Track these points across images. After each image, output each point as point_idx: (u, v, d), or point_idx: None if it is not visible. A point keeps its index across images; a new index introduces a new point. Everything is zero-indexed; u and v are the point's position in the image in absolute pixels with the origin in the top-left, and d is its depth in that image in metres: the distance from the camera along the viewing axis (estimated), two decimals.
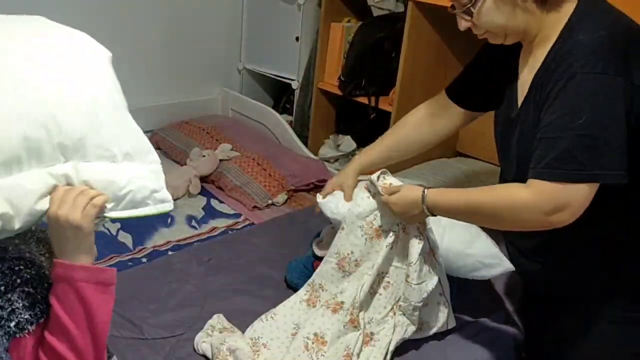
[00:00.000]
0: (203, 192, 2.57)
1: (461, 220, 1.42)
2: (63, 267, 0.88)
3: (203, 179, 2.63)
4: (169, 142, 2.88)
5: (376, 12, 2.81)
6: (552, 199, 1.10)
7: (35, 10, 2.40)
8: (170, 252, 2.03)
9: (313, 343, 1.48)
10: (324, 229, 1.82)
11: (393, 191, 1.43)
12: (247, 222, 2.37)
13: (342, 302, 1.51)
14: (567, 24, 1.16)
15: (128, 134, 0.94)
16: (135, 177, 0.92)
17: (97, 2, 2.66)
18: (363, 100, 2.72)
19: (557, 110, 1.12)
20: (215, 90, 3.33)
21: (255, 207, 2.48)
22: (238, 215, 2.43)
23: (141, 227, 2.21)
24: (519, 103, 1.30)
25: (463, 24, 1.28)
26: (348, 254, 1.54)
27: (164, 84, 3.06)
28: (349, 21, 2.84)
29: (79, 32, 0.99)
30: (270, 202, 2.52)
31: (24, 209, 0.84)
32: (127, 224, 2.21)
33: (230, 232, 2.26)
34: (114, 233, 2.16)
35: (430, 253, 1.51)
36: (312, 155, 2.91)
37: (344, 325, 1.48)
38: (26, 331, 0.87)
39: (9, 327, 0.86)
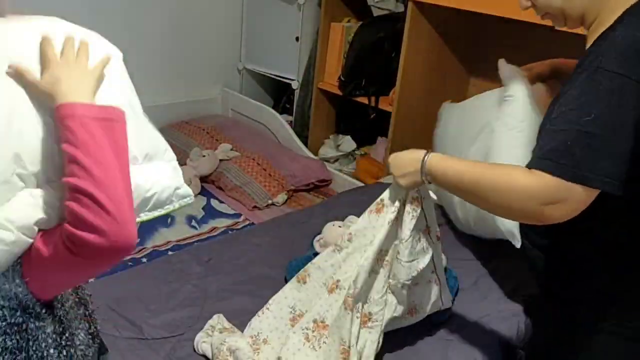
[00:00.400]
0: (203, 192, 2.57)
1: (451, 192, 1.30)
2: (62, 107, 0.79)
3: (203, 179, 2.63)
4: (169, 142, 2.81)
5: (376, 12, 2.81)
6: (549, 190, 1.06)
7: (35, 9, 2.40)
8: (170, 252, 2.03)
9: (313, 332, 1.43)
10: (325, 228, 1.82)
11: None
12: (247, 222, 2.37)
13: (338, 281, 1.44)
14: (620, 16, 1.11)
15: (145, 134, 0.94)
16: (158, 178, 0.92)
17: (97, 2, 2.67)
18: (363, 100, 2.72)
19: (570, 102, 1.07)
20: (215, 90, 3.33)
21: (255, 207, 2.49)
22: (238, 215, 2.43)
23: (141, 227, 2.18)
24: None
25: (523, 3, 1.29)
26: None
27: (164, 84, 3.06)
28: (349, 21, 2.84)
29: (91, 32, 0.97)
30: (270, 202, 2.52)
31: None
32: None
33: (230, 232, 2.27)
34: None
35: (426, 230, 1.44)
36: (312, 155, 2.91)
37: (341, 306, 1.42)
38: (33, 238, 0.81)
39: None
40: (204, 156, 2.65)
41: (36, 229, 0.81)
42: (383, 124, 2.66)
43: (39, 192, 0.81)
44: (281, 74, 3.15)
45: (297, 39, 2.99)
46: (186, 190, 0.96)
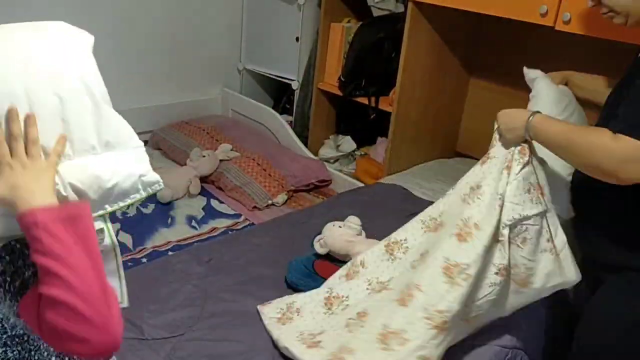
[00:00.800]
0: (203, 192, 2.57)
1: (550, 150, 1.40)
2: (25, 216, 0.79)
3: (203, 179, 2.63)
4: (169, 142, 2.88)
5: (376, 13, 2.81)
6: (629, 151, 1.20)
7: (35, 9, 2.41)
8: (170, 253, 2.03)
9: (355, 320, 1.50)
10: (325, 228, 1.82)
11: None
12: (247, 223, 2.37)
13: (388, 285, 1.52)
14: None
15: (106, 121, 0.91)
16: (118, 166, 0.90)
17: (97, 3, 2.67)
18: (363, 100, 2.72)
19: None
20: (216, 91, 3.34)
21: (255, 207, 2.49)
22: (238, 216, 2.43)
23: (141, 227, 2.21)
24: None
25: (590, 2, 1.33)
26: (401, 240, 1.58)
27: (164, 84, 3.06)
28: (349, 21, 2.84)
29: (59, 23, 0.96)
30: (270, 202, 2.52)
31: None
32: (127, 224, 2.21)
33: (230, 232, 2.27)
34: (114, 233, 2.16)
35: (538, 189, 1.43)
36: (312, 156, 2.91)
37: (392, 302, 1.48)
38: (30, 287, 0.84)
39: (14, 287, 0.84)
40: (204, 156, 2.65)
41: None
42: (383, 124, 2.66)
43: None
44: (281, 74, 3.15)
45: (297, 39, 2.99)
46: (152, 177, 0.94)
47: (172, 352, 1.47)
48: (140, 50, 2.89)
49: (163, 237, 2.19)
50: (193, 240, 2.19)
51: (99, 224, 0.91)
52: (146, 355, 1.44)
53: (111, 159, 0.90)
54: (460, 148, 2.89)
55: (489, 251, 1.43)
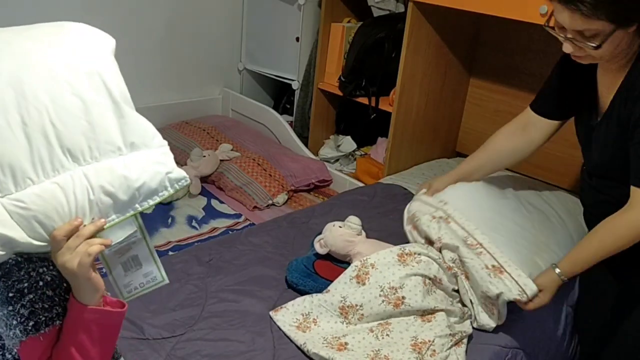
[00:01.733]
0: (203, 192, 2.57)
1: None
2: (74, 307, 0.91)
3: (203, 179, 2.63)
4: (169, 142, 2.82)
5: (376, 13, 2.81)
6: None
7: (35, 8, 2.41)
8: (170, 253, 2.03)
9: (377, 327, 1.56)
10: (325, 228, 1.82)
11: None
12: (248, 223, 2.38)
13: (403, 298, 1.57)
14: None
15: (130, 122, 0.92)
16: (145, 166, 0.91)
17: (97, 2, 2.67)
18: (363, 100, 2.72)
19: None
20: (216, 91, 3.34)
21: (255, 207, 2.49)
22: (238, 216, 2.43)
23: None
24: (599, 115, 1.48)
25: (578, 54, 1.38)
26: (415, 253, 1.65)
27: (164, 84, 3.07)
28: (349, 21, 2.84)
29: (81, 25, 0.96)
30: (270, 202, 2.52)
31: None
32: None
33: (230, 232, 2.27)
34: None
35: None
36: (312, 156, 2.91)
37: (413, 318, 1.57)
38: (42, 332, 0.89)
39: (27, 325, 0.87)
40: (204, 156, 2.65)
41: (3, 242, 0.82)
42: (383, 124, 2.66)
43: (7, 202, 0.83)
44: (281, 74, 3.15)
45: (297, 39, 2.99)
46: (179, 173, 0.95)
47: (172, 351, 1.47)
48: (140, 51, 2.89)
49: (163, 237, 2.19)
50: (193, 240, 2.19)
51: (130, 226, 0.93)
52: (146, 354, 1.45)
53: (137, 159, 0.91)
54: (460, 148, 2.89)
55: None
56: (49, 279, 0.89)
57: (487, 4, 2.06)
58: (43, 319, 0.89)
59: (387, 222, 2.13)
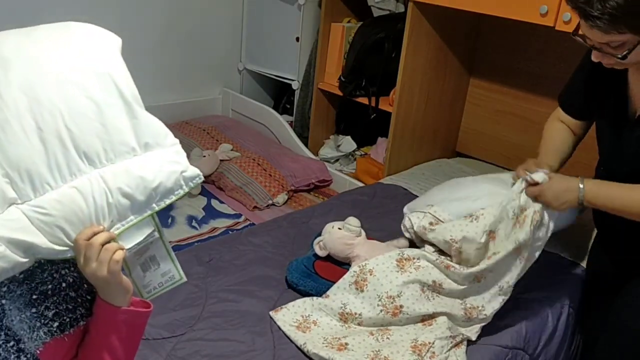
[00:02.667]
0: (203, 192, 2.57)
1: (606, 209, 1.46)
2: (106, 310, 0.92)
3: (203, 180, 2.63)
4: None
5: (376, 13, 2.81)
6: None
7: (35, 8, 2.41)
8: None
9: (377, 331, 1.57)
10: (325, 229, 1.82)
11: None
12: (248, 223, 2.38)
13: (401, 307, 1.57)
14: None
15: (142, 122, 0.92)
16: (160, 166, 0.91)
17: (97, 2, 2.67)
18: (363, 100, 2.72)
19: None
20: (216, 91, 3.34)
21: (255, 207, 2.49)
22: (238, 216, 2.43)
23: None
24: (635, 114, 1.43)
25: (606, 61, 1.34)
26: (414, 257, 1.65)
27: (164, 84, 3.07)
28: (349, 21, 2.84)
29: (87, 25, 0.95)
30: (270, 202, 2.52)
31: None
32: None
33: (230, 232, 2.27)
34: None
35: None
36: (312, 156, 2.91)
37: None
38: (67, 332, 0.90)
39: (52, 327, 0.88)
40: (204, 156, 2.65)
41: (25, 248, 0.82)
42: (383, 124, 2.66)
43: (27, 209, 0.83)
44: (281, 74, 3.15)
45: (297, 39, 2.99)
46: (193, 171, 0.96)
47: (172, 352, 1.47)
48: (141, 50, 2.89)
49: None
50: (193, 240, 2.19)
51: (148, 226, 0.94)
52: (146, 355, 1.45)
53: (152, 159, 0.91)
54: (460, 148, 2.89)
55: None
56: (71, 280, 0.90)
57: (487, 4, 2.06)
58: (67, 320, 0.90)
59: (387, 222, 2.13)
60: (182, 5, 2.99)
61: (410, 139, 2.64)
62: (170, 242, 2.13)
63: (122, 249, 0.89)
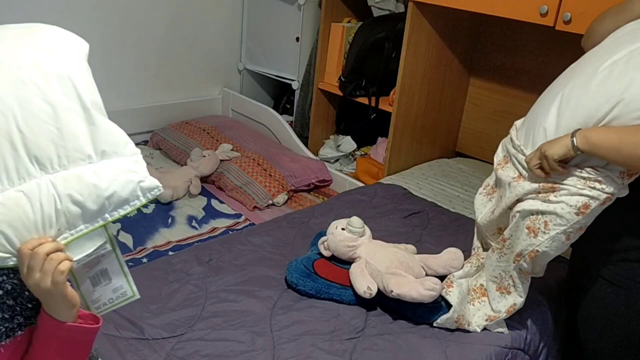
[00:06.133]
0: (203, 192, 2.57)
1: (601, 155, 1.35)
2: (47, 323, 0.87)
3: (203, 179, 2.63)
4: (169, 143, 2.88)
5: (376, 13, 2.81)
6: None
7: (35, 8, 2.41)
8: (170, 253, 2.03)
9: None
10: (328, 230, 1.82)
11: None
12: (248, 223, 2.38)
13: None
14: None
15: (101, 130, 0.88)
16: (116, 174, 0.88)
17: (97, 3, 2.67)
18: (363, 100, 2.72)
19: None
20: (216, 91, 3.34)
21: (255, 207, 2.49)
22: (238, 216, 2.43)
23: (141, 227, 2.21)
24: None
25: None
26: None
27: (164, 84, 3.07)
28: (349, 21, 2.84)
29: (55, 28, 0.92)
30: (270, 202, 2.52)
31: None
32: (127, 224, 2.22)
33: (230, 232, 2.27)
34: (115, 233, 2.17)
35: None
36: (312, 156, 2.91)
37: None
38: (2, 343, 0.85)
39: None
40: (204, 156, 2.65)
41: None
42: (383, 124, 2.66)
43: None
44: (281, 74, 3.15)
45: (297, 39, 2.99)
46: (151, 182, 0.91)
47: (172, 352, 1.47)
48: (141, 51, 2.89)
49: (163, 237, 2.19)
50: (193, 240, 2.19)
51: (100, 237, 0.90)
52: (146, 355, 1.45)
53: (108, 167, 0.88)
54: (460, 148, 2.89)
55: None
56: (9, 287, 0.85)
57: (487, 4, 2.06)
58: (3, 329, 0.84)
59: (387, 222, 2.13)
60: (182, 5, 2.99)
61: (410, 139, 2.64)
62: (170, 242, 2.15)
63: (70, 259, 0.86)
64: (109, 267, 0.95)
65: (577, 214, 1.38)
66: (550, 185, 1.42)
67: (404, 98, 2.50)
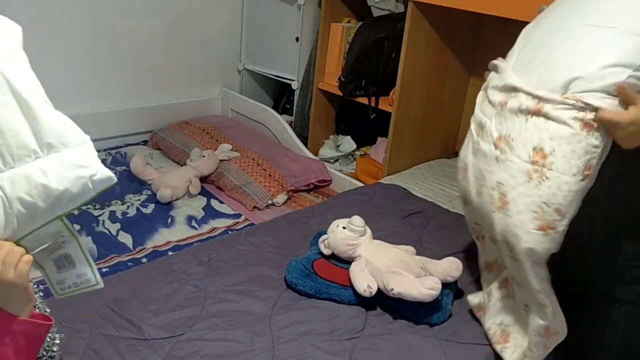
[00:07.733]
0: (203, 192, 2.57)
1: None
2: (2, 318, 0.86)
3: (203, 179, 2.63)
4: (169, 143, 2.88)
5: (376, 13, 2.81)
6: None
7: (35, 6, 2.40)
8: (170, 253, 2.03)
9: None
10: (329, 229, 1.82)
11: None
12: (247, 223, 2.37)
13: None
14: None
15: (41, 123, 0.84)
16: (65, 171, 0.84)
17: (97, 3, 2.67)
18: (363, 100, 2.72)
19: None
20: (216, 91, 3.34)
21: (255, 207, 2.49)
22: (238, 216, 2.43)
23: (141, 227, 2.21)
24: None
25: None
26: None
27: (164, 84, 3.07)
28: (349, 21, 2.84)
29: None
30: (270, 202, 2.52)
31: None
32: (127, 224, 2.22)
33: (230, 232, 2.26)
34: (114, 233, 2.17)
35: None
36: (312, 156, 2.91)
37: None
38: None
39: None
40: (204, 156, 2.65)
41: None
42: (383, 124, 2.66)
43: None
44: (281, 74, 3.15)
45: (297, 39, 2.99)
46: (104, 173, 0.88)
47: (171, 352, 1.47)
48: (140, 50, 2.89)
49: (163, 237, 2.19)
50: (193, 240, 2.19)
51: (55, 226, 0.88)
52: (145, 355, 1.44)
53: (56, 164, 0.84)
54: (460, 148, 2.89)
55: None
56: None
57: (487, 4, 2.06)
58: None
59: (386, 222, 2.13)
60: (182, 5, 2.99)
61: (410, 139, 2.64)
62: (169, 242, 2.15)
63: (29, 255, 0.85)
64: (73, 254, 0.96)
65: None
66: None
67: (403, 98, 2.50)
